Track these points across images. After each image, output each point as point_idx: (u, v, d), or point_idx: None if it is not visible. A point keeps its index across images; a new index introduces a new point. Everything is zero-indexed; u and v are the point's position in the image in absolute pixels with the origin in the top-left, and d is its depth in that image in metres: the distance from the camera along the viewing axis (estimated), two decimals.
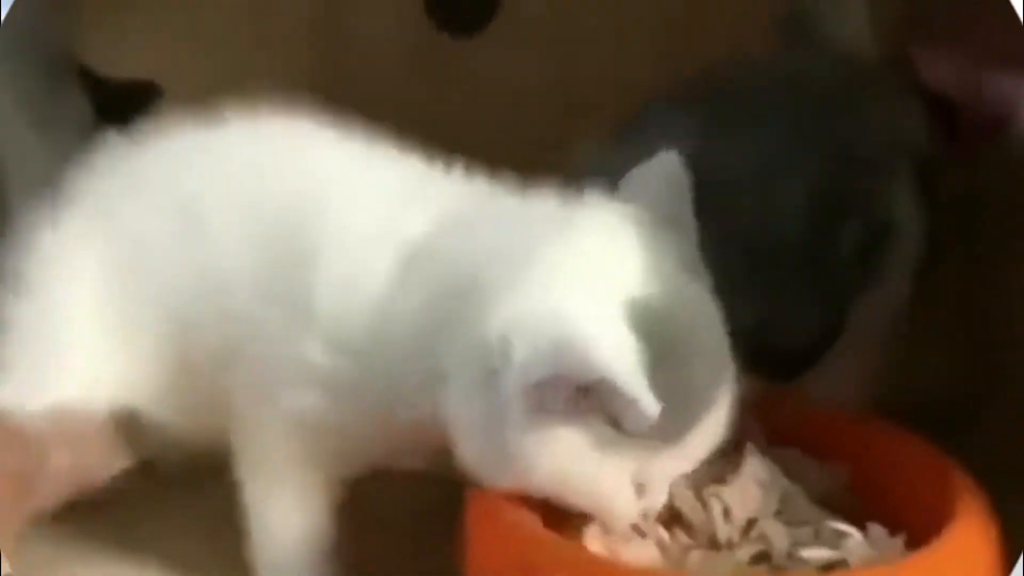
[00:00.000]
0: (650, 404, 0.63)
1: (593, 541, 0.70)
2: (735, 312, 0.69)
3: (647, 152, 0.71)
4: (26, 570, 0.77)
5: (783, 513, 0.73)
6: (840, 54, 0.91)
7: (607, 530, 0.70)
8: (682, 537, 0.72)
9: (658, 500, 0.69)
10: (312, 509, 0.75)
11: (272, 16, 1.04)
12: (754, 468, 0.73)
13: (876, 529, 0.71)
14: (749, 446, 0.74)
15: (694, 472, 0.70)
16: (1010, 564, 0.68)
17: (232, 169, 0.76)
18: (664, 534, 0.71)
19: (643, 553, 0.70)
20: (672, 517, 0.72)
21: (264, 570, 0.76)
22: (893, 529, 0.71)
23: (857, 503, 0.74)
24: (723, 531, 0.71)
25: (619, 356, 0.63)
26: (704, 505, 0.72)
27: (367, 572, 0.77)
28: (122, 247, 0.77)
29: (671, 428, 0.65)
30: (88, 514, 0.82)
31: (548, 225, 0.69)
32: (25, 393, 0.76)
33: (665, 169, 0.70)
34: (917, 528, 0.69)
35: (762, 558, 0.70)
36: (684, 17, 1.02)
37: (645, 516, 0.70)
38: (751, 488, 0.73)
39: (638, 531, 0.71)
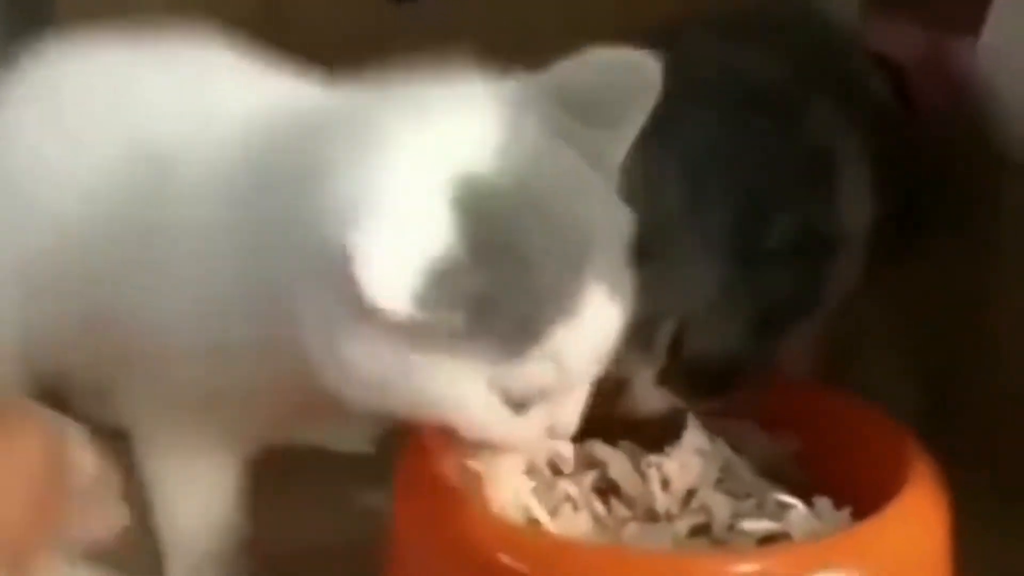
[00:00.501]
0: (389, 296, 0.56)
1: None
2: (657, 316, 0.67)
3: None
4: None
5: (725, 483, 0.71)
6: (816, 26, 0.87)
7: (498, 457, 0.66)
8: (620, 509, 0.69)
9: (561, 423, 0.64)
10: (220, 490, 0.73)
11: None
12: (694, 438, 0.71)
13: (822, 502, 0.68)
14: (690, 416, 0.71)
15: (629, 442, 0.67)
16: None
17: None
18: (599, 506, 0.69)
19: (576, 525, 0.67)
20: (609, 488, 0.70)
21: (169, 547, 0.74)
22: (843, 501, 0.68)
23: (805, 475, 0.72)
24: (661, 502, 0.68)
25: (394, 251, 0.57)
26: (642, 476, 0.69)
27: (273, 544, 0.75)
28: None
29: (512, 329, 0.59)
30: None
31: (390, 109, 0.63)
32: None
33: (624, 68, 0.64)
34: (868, 499, 0.66)
35: (702, 530, 0.68)
36: None
37: (558, 456, 0.67)
38: (691, 458, 0.70)
39: (572, 502, 0.68)
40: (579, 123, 0.62)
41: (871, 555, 0.62)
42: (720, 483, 0.70)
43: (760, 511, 0.68)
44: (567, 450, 0.69)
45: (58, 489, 0.67)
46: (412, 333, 0.58)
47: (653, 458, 0.70)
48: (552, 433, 0.64)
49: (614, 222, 0.62)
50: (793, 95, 0.76)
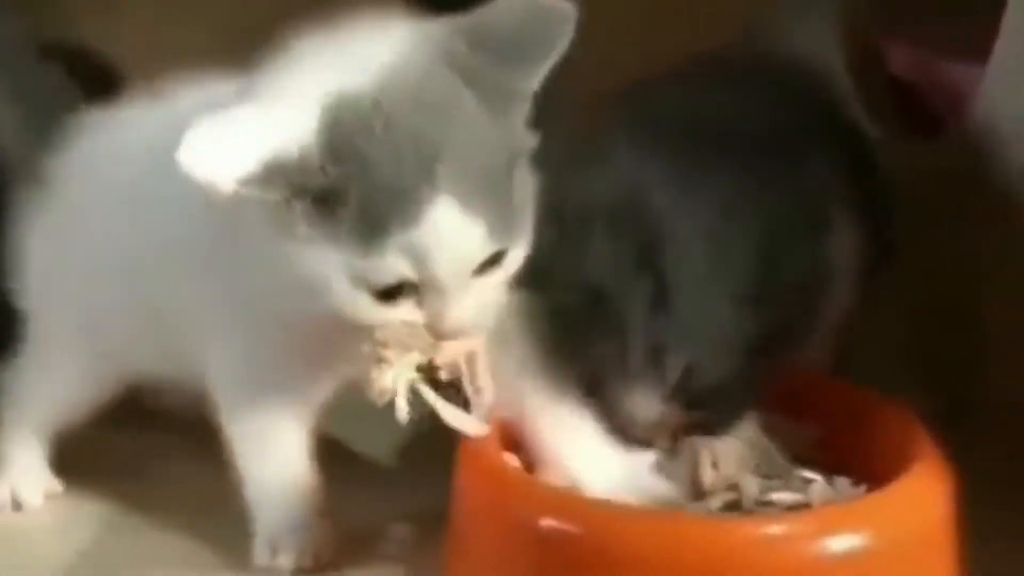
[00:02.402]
0: (211, 172, 0.66)
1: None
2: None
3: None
4: None
5: (760, 467, 0.78)
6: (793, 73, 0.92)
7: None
8: None
9: (439, 324, 0.70)
10: (292, 450, 0.81)
11: None
12: (746, 428, 0.79)
13: (840, 481, 0.76)
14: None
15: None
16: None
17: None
18: None
19: None
20: None
21: (257, 514, 0.82)
22: (861, 481, 0.76)
23: (827, 459, 0.79)
24: (708, 478, 0.76)
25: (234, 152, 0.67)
26: (693, 456, 0.78)
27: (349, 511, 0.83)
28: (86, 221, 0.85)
29: (358, 224, 0.68)
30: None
31: (306, 46, 0.72)
32: None
33: (537, 11, 0.70)
34: (883, 479, 0.73)
35: (733, 506, 0.76)
36: None
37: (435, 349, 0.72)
38: (737, 444, 0.78)
39: None
40: (491, 60, 0.70)
41: (883, 520, 0.70)
42: (756, 467, 0.78)
43: (786, 488, 0.76)
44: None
45: None
46: (279, 222, 0.68)
47: (708, 440, 0.78)
48: (433, 332, 0.71)
49: (486, 149, 0.69)
50: (794, 142, 0.82)
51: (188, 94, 0.81)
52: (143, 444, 0.95)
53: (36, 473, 0.91)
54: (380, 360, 0.71)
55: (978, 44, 0.95)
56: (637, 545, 0.68)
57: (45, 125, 0.88)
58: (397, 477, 0.92)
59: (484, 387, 0.73)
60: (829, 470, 0.77)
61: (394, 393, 0.71)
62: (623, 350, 0.75)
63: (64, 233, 0.87)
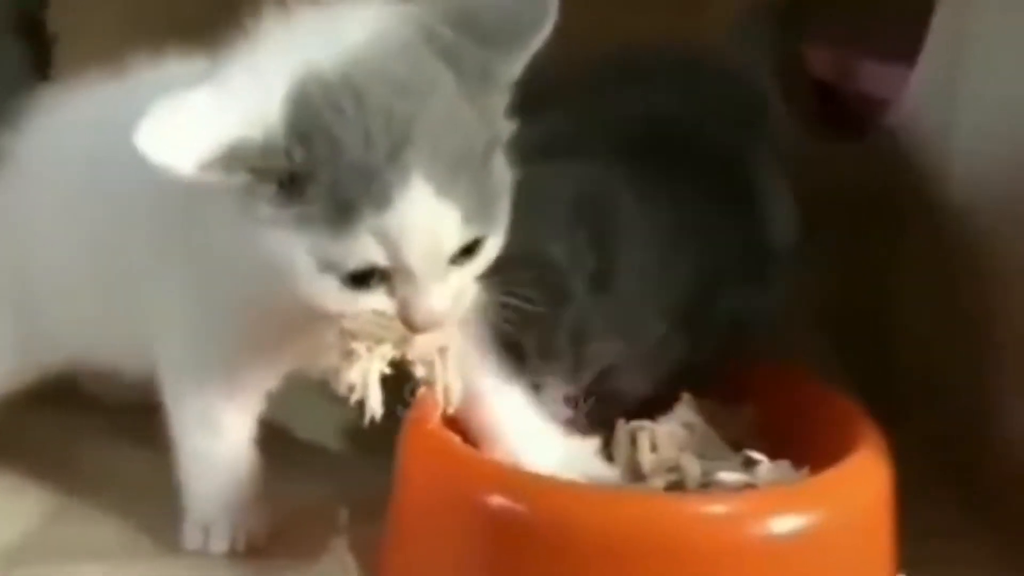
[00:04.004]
0: (169, 157, 0.64)
1: None
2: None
3: None
4: None
5: (698, 450, 0.78)
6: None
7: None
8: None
9: (410, 313, 0.68)
10: (236, 435, 0.80)
11: None
12: (684, 412, 0.79)
13: (782, 463, 0.77)
14: (685, 394, 0.80)
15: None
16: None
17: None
18: None
19: None
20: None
21: (189, 496, 0.81)
22: (799, 464, 0.76)
23: (762, 444, 0.79)
24: (648, 462, 0.77)
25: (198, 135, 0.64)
26: (633, 439, 0.78)
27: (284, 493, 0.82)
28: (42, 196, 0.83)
29: (326, 205, 0.66)
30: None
31: (286, 27, 0.69)
32: None
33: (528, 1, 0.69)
34: (820, 461, 0.74)
35: (676, 487, 0.76)
36: None
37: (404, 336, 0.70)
38: (678, 428, 0.79)
39: None
40: (474, 43, 0.68)
41: (831, 500, 0.71)
42: (694, 450, 0.78)
43: (730, 468, 0.76)
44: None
45: None
46: (243, 205, 0.67)
47: (646, 423, 0.78)
48: (406, 323, 0.68)
49: (464, 132, 0.67)
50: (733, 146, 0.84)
51: (151, 72, 0.78)
52: (66, 426, 0.93)
53: None
54: (348, 352, 0.69)
55: (899, 45, 0.98)
56: (588, 522, 0.69)
57: (4, 101, 0.85)
58: (335, 460, 0.92)
59: (453, 385, 0.71)
60: (766, 454, 0.78)
61: (364, 388, 0.69)
62: (555, 324, 0.75)
63: (17, 209, 0.84)
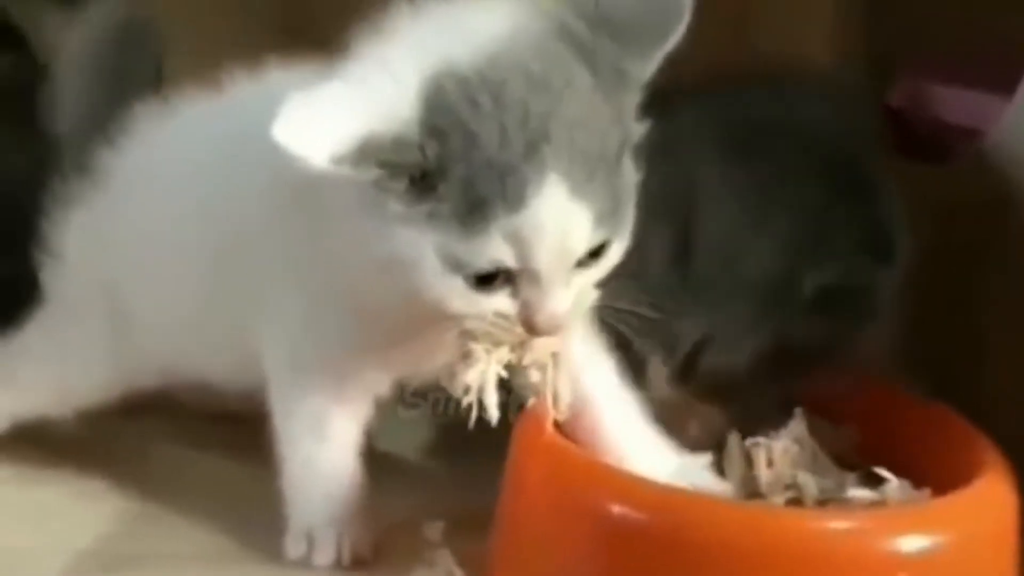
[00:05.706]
0: (305, 148, 0.63)
1: None
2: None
3: None
4: None
5: (811, 467, 0.77)
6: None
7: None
8: None
9: (535, 317, 0.67)
10: (344, 441, 0.78)
11: None
12: (796, 427, 0.78)
13: (904, 483, 0.75)
14: (797, 410, 0.78)
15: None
16: None
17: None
18: None
19: None
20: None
21: (294, 505, 0.79)
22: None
23: (864, 463, 0.78)
24: (765, 477, 0.75)
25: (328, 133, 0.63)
26: (748, 456, 0.76)
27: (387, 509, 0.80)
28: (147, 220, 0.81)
29: (459, 203, 0.64)
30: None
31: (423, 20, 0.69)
32: None
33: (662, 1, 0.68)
34: (940, 483, 0.73)
35: (794, 504, 0.75)
36: None
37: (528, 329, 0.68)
38: (791, 444, 0.77)
39: None
40: (609, 41, 0.67)
41: (962, 522, 0.70)
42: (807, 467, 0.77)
43: (839, 490, 0.75)
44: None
45: None
46: (371, 200, 0.65)
47: (761, 440, 0.76)
48: (528, 328, 0.67)
49: (599, 132, 0.66)
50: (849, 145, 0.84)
51: (256, 84, 0.77)
52: (146, 429, 0.91)
53: None
54: (467, 354, 0.68)
55: (988, 73, 0.97)
56: (716, 535, 0.67)
57: (107, 115, 0.83)
58: (417, 474, 0.90)
59: (563, 391, 0.70)
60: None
61: (480, 390, 0.68)
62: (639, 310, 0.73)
63: (113, 226, 0.82)
